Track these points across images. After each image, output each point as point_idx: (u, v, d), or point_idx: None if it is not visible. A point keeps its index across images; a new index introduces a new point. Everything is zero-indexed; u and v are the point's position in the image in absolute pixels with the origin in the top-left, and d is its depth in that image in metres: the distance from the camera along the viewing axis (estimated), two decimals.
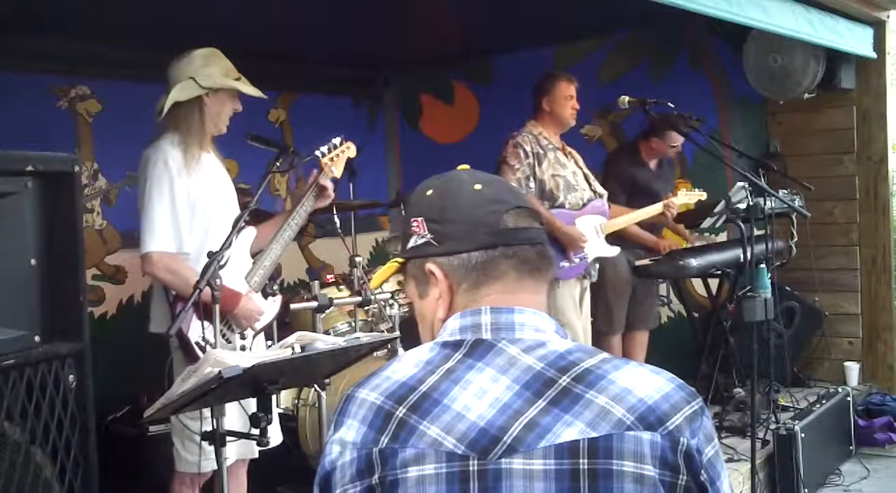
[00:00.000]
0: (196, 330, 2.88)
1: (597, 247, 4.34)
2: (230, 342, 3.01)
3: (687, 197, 4.85)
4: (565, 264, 4.21)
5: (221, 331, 2.96)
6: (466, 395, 1.11)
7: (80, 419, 1.90)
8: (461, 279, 1.20)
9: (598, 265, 4.45)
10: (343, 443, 1.13)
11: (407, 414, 1.11)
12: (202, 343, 2.90)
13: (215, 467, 2.91)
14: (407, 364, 1.17)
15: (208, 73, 3.03)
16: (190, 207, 2.98)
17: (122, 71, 4.98)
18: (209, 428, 2.81)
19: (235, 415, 2.77)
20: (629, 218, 4.64)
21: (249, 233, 3.14)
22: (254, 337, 3.14)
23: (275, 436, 2.98)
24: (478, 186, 1.22)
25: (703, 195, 4.89)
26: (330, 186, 3.21)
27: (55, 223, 1.90)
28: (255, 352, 3.01)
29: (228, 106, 3.10)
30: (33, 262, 1.87)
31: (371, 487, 1.10)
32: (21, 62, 4.65)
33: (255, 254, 3.16)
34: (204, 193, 3.02)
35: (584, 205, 4.33)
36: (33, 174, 1.85)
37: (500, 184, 1.26)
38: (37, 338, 1.86)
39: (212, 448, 2.86)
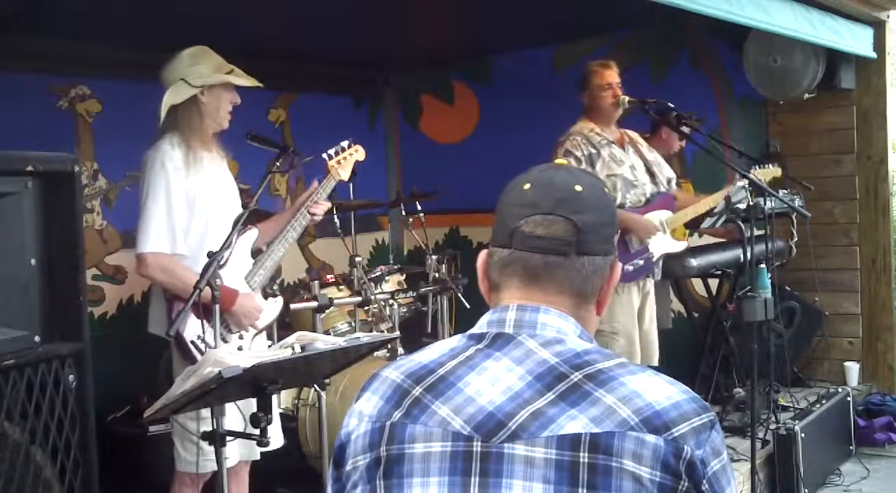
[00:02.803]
0: (193, 330, 2.89)
1: (663, 243, 4.14)
2: (227, 342, 3.01)
3: (762, 174, 4.24)
4: (629, 267, 3.98)
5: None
6: (480, 381, 1.15)
7: (80, 419, 1.90)
8: (491, 271, 1.25)
9: (660, 263, 4.20)
10: (360, 415, 1.20)
11: (423, 393, 1.17)
12: (198, 343, 2.90)
13: (216, 467, 2.93)
14: (433, 350, 1.23)
15: (198, 71, 3.03)
16: (188, 207, 2.98)
17: (122, 71, 4.98)
18: (208, 428, 2.82)
19: (236, 416, 2.78)
20: (695, 208, 4.25)
21: (251, 234, 3.14)
22: (253, 337, 3.14)
23: (276, 438, 2.98)
24: (527, 186, 1.23)
25: (778, 171, 4.36)
26: (320, 212, 3.21)
27: (55, 223, 1.90)
28: (255, 351, 3.01)
29: (226, 100, 3.09)
30: (33, 262, 1.87)
31: (378, 458, 1.15)
32: (21, 62, 4.64)
33: (256, 253, 3.17)
34: (203, 191, 3.02)
35: (648, 201, 4.12)
36: (33, 174, 1.85)
37: (552, 189, 1.22)
38: (37, 338, 1.86)
39: (212, 448, 2.87)
